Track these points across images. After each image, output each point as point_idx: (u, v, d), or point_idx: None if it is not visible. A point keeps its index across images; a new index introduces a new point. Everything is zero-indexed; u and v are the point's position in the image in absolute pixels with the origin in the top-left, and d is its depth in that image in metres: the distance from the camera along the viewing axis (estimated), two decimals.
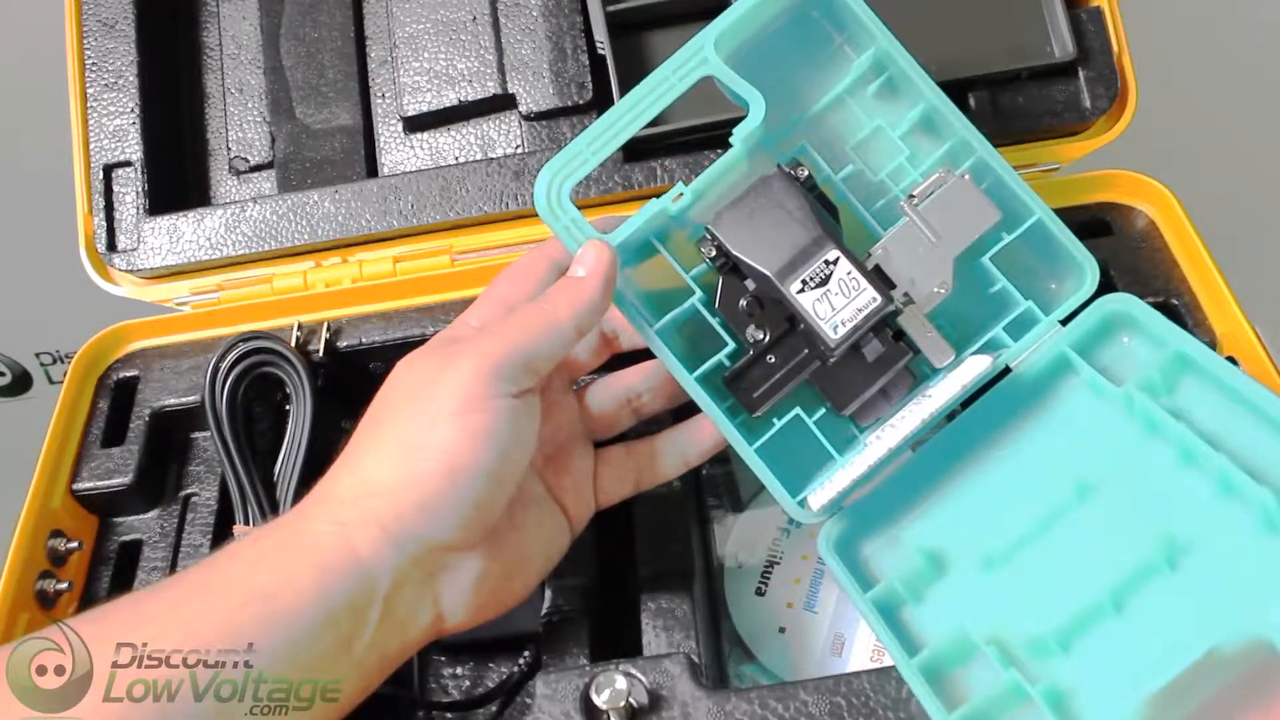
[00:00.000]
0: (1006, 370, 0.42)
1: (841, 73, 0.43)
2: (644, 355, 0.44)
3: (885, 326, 0.41)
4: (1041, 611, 0.37)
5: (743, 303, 0.42)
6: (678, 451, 0.44)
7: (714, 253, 0.42)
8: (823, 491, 0.41)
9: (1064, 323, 0.42)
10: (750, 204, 0.41)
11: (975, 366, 0.41)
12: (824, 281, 0.40)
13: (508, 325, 0.39)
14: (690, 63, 0.41)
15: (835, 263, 0.40)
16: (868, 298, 0.40)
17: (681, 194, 0.41)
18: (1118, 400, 0.40)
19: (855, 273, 0.40)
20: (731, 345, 0.42)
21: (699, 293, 0.42)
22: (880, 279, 0.41)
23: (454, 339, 0.40)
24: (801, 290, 0.40)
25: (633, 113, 0.41)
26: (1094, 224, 0.52)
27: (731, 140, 0.41)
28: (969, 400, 0.42)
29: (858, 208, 0.44)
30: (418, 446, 0.37)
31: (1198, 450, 0.37)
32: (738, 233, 0.41)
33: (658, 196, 0.42)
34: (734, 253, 0.41)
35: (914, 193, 0.42)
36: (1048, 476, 0.41)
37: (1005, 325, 0.42)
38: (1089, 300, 0.42)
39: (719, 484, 0.54)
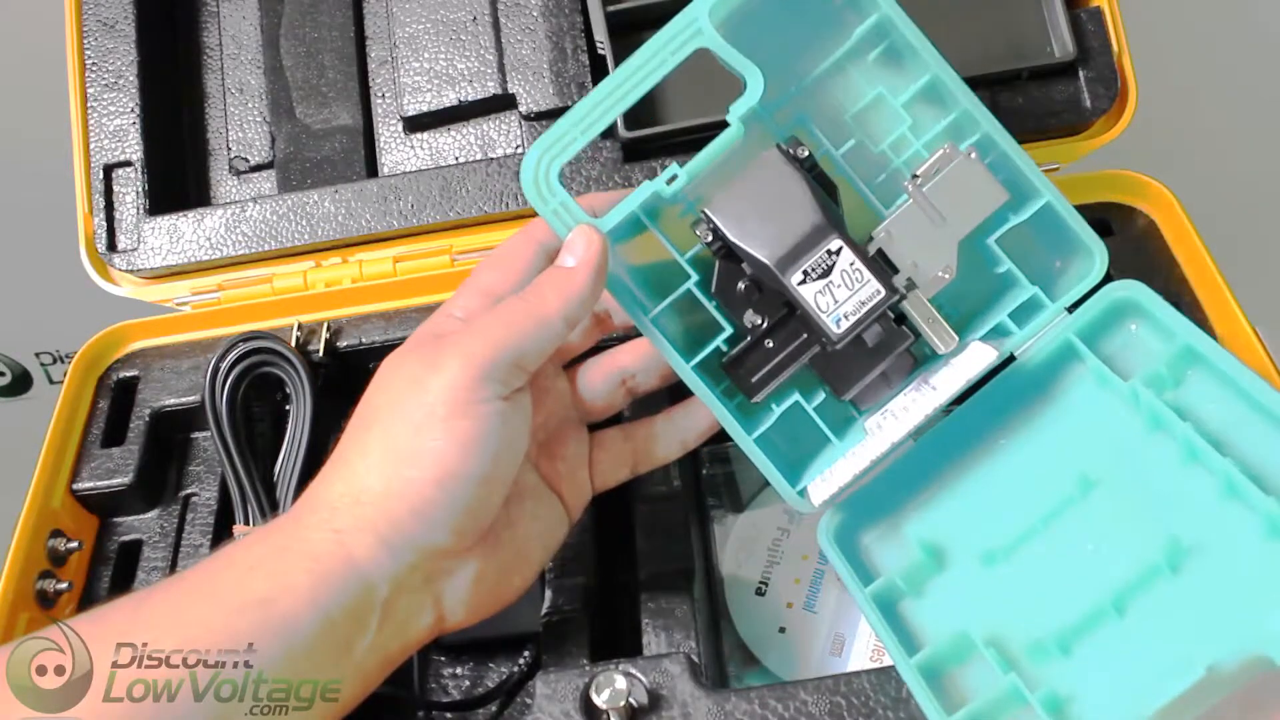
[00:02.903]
0: (1011, 357, 0.41)
1: (842, 37, 0.41)
2: (636, 332, 0.42)
3: (888, 311, 0.40)
4: (1042, 612, 0.37)
5: (740, 286, 0.41)
6: (675, 434, 0.43)
7: (710, 237, 0.40)
8: (823, 485, 0.41)
9: (1070, 309, 0.41)
10: (748, 187, 0.40)
11: (981, 357, 0.40)
12: (826, 273, 0.39)
13: (493, 322, 0.37)
14: (683, 34, 0.39)
15: (838, 253, 0.39)
16: (871, 290, 0.39)
17: (675, 175, 0.40)
18: (1123, 393, 0.40)
19: (858, 264, 0.39)
20: (728, 329, 0.41)
21: (694, 275, 0.41)
22: (883, 264, 0.40)
23: (438, 334, 0.38)
24: (803, 281, 0.39)
25: (623, 88, 0.39)
26: (1094, 224, 0.51)
27: (728, 118, 0.40)
28: (972, 388, 0.41)
29: (858, 183, 0.43)
30: (406, 454, 0.36)
31: (1203, 451, 0.37)
32: (735, 218, 0.40)
33: None
34: (732, 239, 0.40)
35: (918, 172, 0.40)
36: (1051, 469, 0.40)
37: (1011, 311, 0.41)
38: (1096, 287, 0.41)
39: (719, 484, 0.54)
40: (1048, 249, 0.42)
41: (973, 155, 0.40)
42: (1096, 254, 0.40)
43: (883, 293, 0.39)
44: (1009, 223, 0.41)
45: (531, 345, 0.37)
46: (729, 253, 0.41)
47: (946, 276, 0.40)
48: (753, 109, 0.40)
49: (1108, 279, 0.41)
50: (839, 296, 0.39)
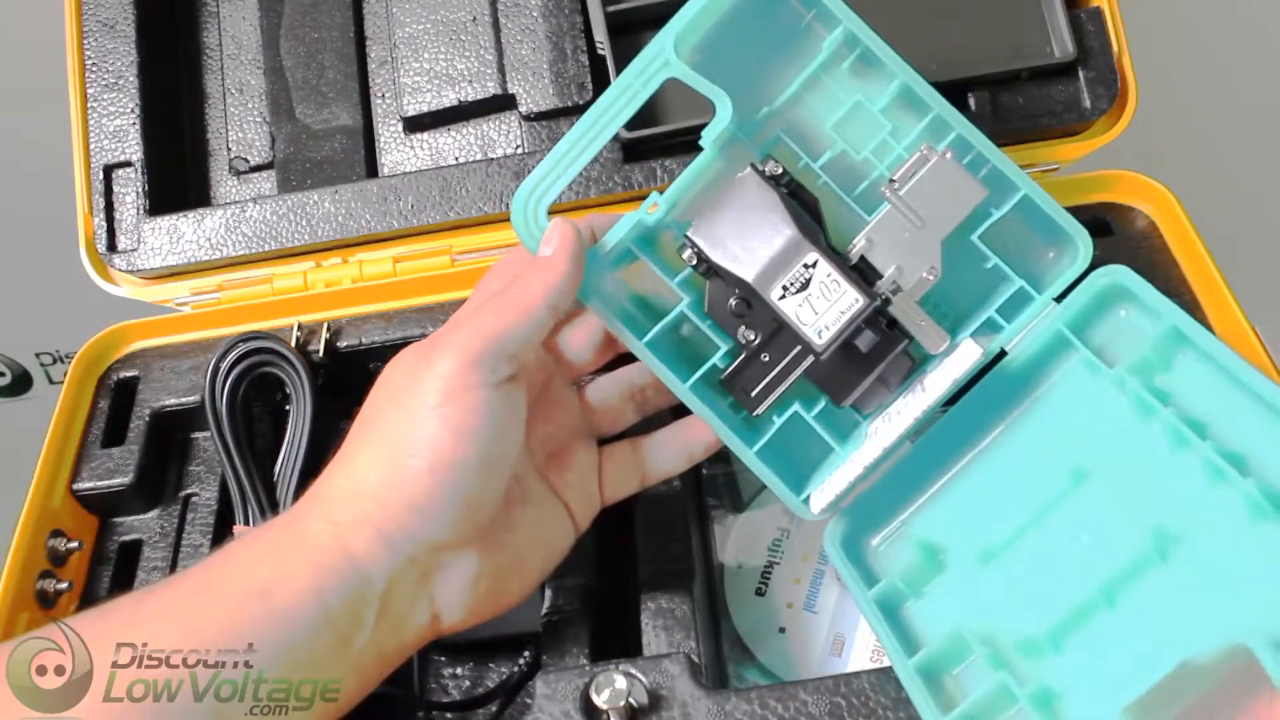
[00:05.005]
0: (1005, 353, 0.41)
1: (814, 51, 0.42)
2: None
3: (878, 316, 0.41)
4: (1036, 608, 0.37)
5: (731, 303, 0.42)
6: (682, 446, 0.44)
7: (695, 260, 0.41)
8: (823, 492, 0.41)
9: (1060, 300, 0.41)
10: (725, 208, 0.41)
11: (966, 356, 0.40)
12: (804, 286, 0.39)
13: (481, 314, 0.39)
14: (651, 67, 0.40)
15: (814, 265, 0.39)
16: (849, 299, 0.39)
17: (656, 204, 0.41)
18: (1113, 381, 0.39)
19: (835, 274, 0.39)
20: (724, 347, 0.42)
21: (686, 298, 0.42)
22: (864, 272, 0.40)
23: (437, 335, 0.40)
24: (783, 296, 0.39)
25: (599, 124, 0.40)
26: (1094, 224, 0.52)
27: (701, 143, 0.41)
28: (968, 384, 0.41)
29: (841, 194, 0.43)
30: (402, 445, 0.37)
31: (1186, 437, 0.37)
32: (715, 239, 0.40)
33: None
34: (714, 261, 0.40)
35: (894, 177, 0.40)
36: (1046, 462, 0.40)
37: (1000, 306, 0.41)
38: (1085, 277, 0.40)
39: (719, 484, 0.54)
40: (1035, 242, 0.42)
41: (948, 156, 0.40)
42: (1080, 243, 0.40)
43: (860, 301, 0.39)
44: (991, 218, 0.41)
45: (517, 333, 0.38)
46: (717, 272, 0.41)
47: (931, 278, 0.40)
48: (726, 132, 0.40)
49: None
50: (819, 308, 0.39)
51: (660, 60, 0.40)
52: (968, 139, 0.40)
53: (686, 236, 0.41)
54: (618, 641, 0.45)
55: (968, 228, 0.41)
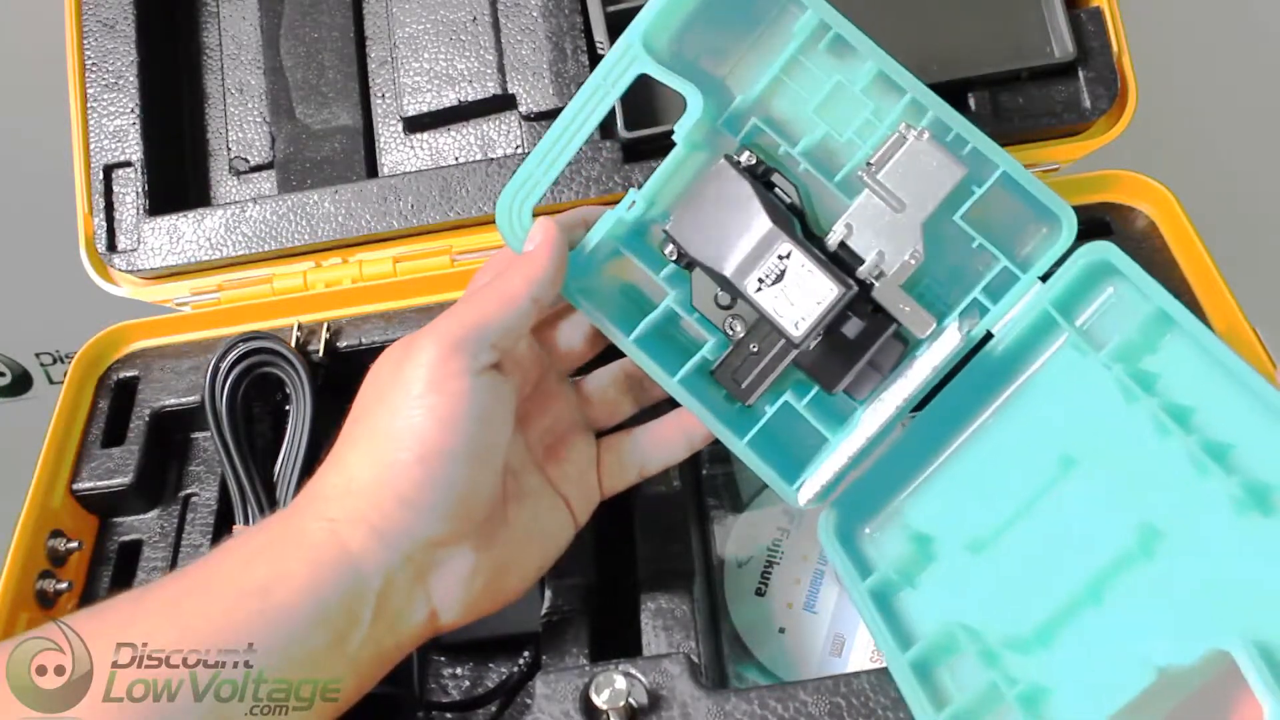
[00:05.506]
0: (991, 335, 0.41)
1: (789, 35, 0.41)
2: None
3: (863, 302, 0.40)
4: (1025, 602, 0.37)
5: (715, 295, 0.42)
6: (681, 435, 0.44)
7: (676, 255, 0.41)
8: (813, 480, 0.41)
9: (1045, 279, 0.40)
10: (700, 201, 0.40)
11: (946, 342, 0.40)
12: (779, 277, 0.39)
13: (464, 306, 0.39)
14: (621, 64, 0.40)
15: (788, 256, 0.39)
16: (825, 289, 0.38)
17: (634, 202, 0.41)
18: (1099, 365, 0.39)
19: (809, 264, 0.39)
20: (712, 339, 0.42)
21: (672, 292, 0.42)
22: (843, 259, 0.40)
23: (419, 330, 0.40)
24: (759, 289, 0.39)
25: (574, 124, 0.40)
26: (1094, 224, 0.52)
27: (674, 138, 0.40)
28: (957, 367, 0.41)
29: (824, 180, 0.42)
30: (390, 438, 0.37)
31: (1170, 429, 0.36)
32: (693, 233, 0.40)
33: None
34: (693, 255, 0.40)
35: (872, 160, 0.40)
36: (1034, 448, 0.40)
37: (984, 287, 0.41)
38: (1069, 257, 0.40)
39: (719, 484, 0.54)
40: (1021, 222, 0.41)
41: (925, 136, 0.39)
42: (1064, 219, 0.39)
43: (836, 290, 0.38)
44: (973, 196, 0.40)
45: (499, 321, 0.38)
46: (698, 266, 0.41)
47: (914, 262, 0.40)
48: (699, 125, 0.40)
49: None
50: (794, 299, 0.39)
51: (629, 57, 0.40)
52: (944, 120, 0.39)
53: (665, 231, 0.41)
54: (618, 641, 0.45)
55: (950, 208, 0.40)
